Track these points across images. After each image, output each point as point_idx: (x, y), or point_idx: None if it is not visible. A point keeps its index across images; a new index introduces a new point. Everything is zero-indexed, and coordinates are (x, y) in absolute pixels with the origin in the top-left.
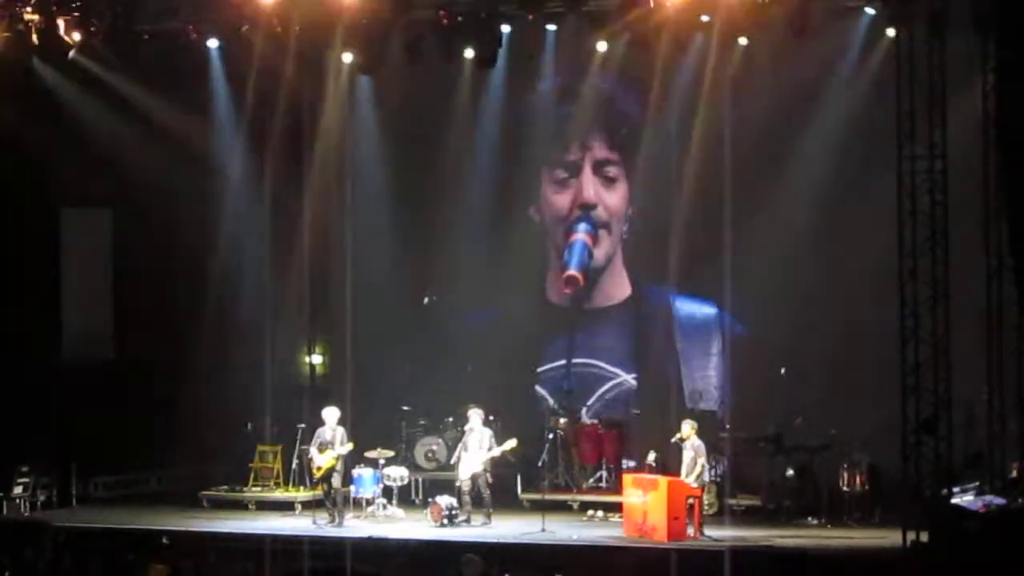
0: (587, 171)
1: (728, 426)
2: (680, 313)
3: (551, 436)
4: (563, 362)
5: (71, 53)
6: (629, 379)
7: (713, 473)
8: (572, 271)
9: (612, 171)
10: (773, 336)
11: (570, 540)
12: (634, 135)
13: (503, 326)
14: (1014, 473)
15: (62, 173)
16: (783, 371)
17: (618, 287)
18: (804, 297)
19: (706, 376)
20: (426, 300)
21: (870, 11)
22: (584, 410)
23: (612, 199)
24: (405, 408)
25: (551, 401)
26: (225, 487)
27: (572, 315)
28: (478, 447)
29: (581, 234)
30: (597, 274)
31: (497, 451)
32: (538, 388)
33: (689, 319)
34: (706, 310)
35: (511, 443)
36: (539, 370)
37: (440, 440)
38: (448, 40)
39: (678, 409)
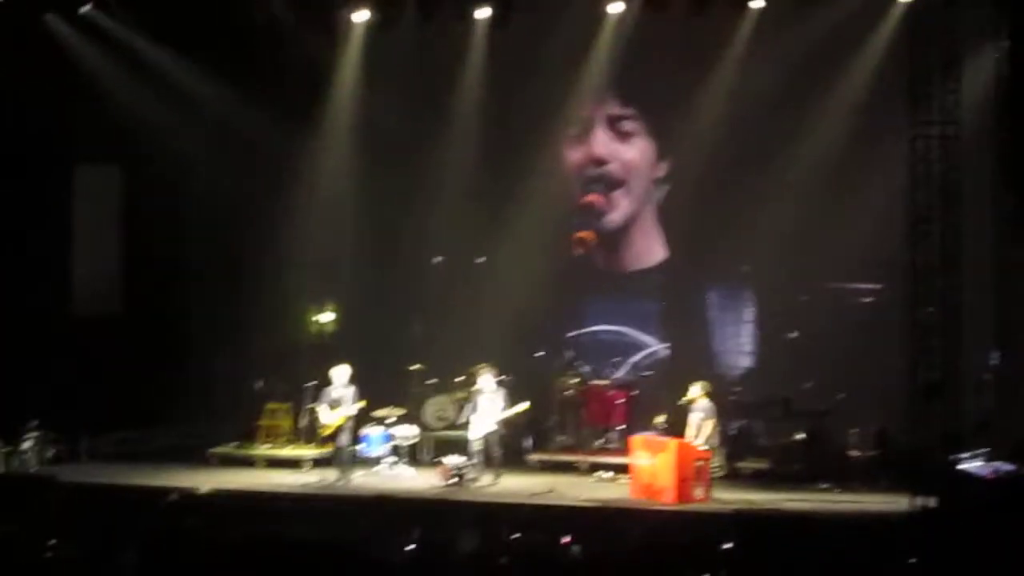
0: (599, 125)
1: (737, 389)
2: (712, 279)
3: (561, 397)
4: (596, 328)
5: (84, 8)
6: (662, 348)
7: (722, 436)
8: (582, 232)
9: (628, 126)
10: (783, 300)
11: (578, 501)
12: (650, 92)
13: (518, 286)
14: None
15: (74, 128)
16: (792, 335)
17: (650, 250)
18: (814, 261)
19: (739, 344)
20: (436, 260)
21: None
22: (616, 376)
23: (628, 154)
24: (414, 367)
25: (584, 366)
26: (234, 444)
27: (602, 277)
28: (490, 407)
29: (591, 195)
30: (622, 234)
31: (509, 412)
32: (568, 353)
33: (722, 286)
34: (737, 276)
35: (523, 405)
36: (568, 335)
37: (449, 400)
38: None
39: (699, 373)
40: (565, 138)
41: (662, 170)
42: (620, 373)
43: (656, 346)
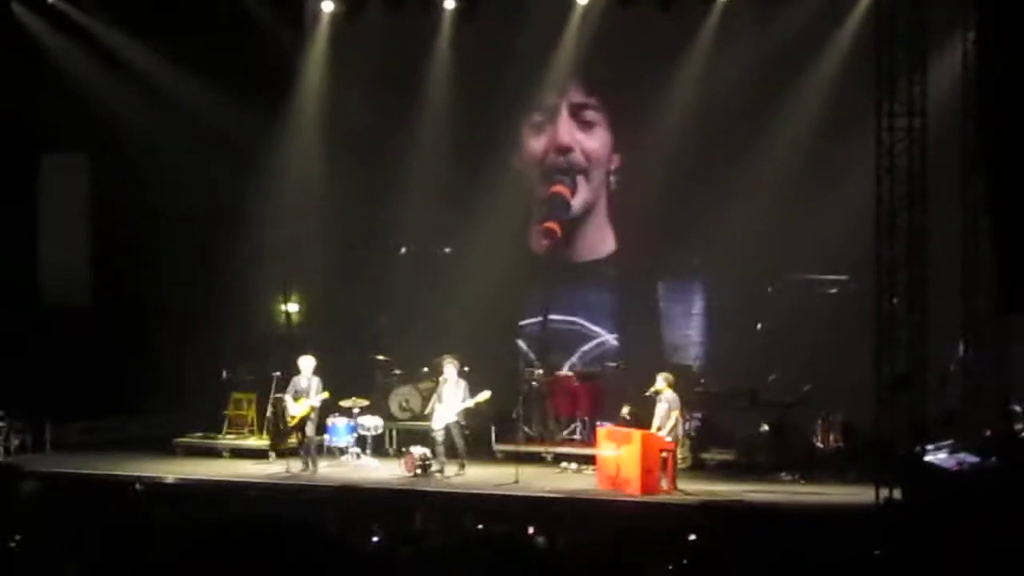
0: (564, 115)
1: (703, 380)
2: (664, 271)
3: (526, 388)
4: (559, 317)
5: None
6: (611, 339)
7: (687, 427)
8: (549, 222)
9: (590, 115)
10: (750, 292)
11: (543, 492)
12: (614, 83)
13: (483, 277)
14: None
15: (41, 118)
16: (759, 326)
17: (603, 241)
18: (781, 252)
19: (687, 335)
20: (402, 251)
21: None
22: (566, 368)
23: (590, 143)
24: (380, 358)
25: (532, 355)
26: (199, 434)
27: (555, 267)
28: (452, 398)
29: (558, 186)
30: (577, 224)
31: (471, 402)
32: (519, 342)
33: (673, 278)
34: (689, 269)
35: (485, 394)
36: (521, 323)
37: (414, 390)
38: None
39: (657, 364)
40: (530, 126)
41: (616, 162)
42: (574, 360)
43: (608, 336)
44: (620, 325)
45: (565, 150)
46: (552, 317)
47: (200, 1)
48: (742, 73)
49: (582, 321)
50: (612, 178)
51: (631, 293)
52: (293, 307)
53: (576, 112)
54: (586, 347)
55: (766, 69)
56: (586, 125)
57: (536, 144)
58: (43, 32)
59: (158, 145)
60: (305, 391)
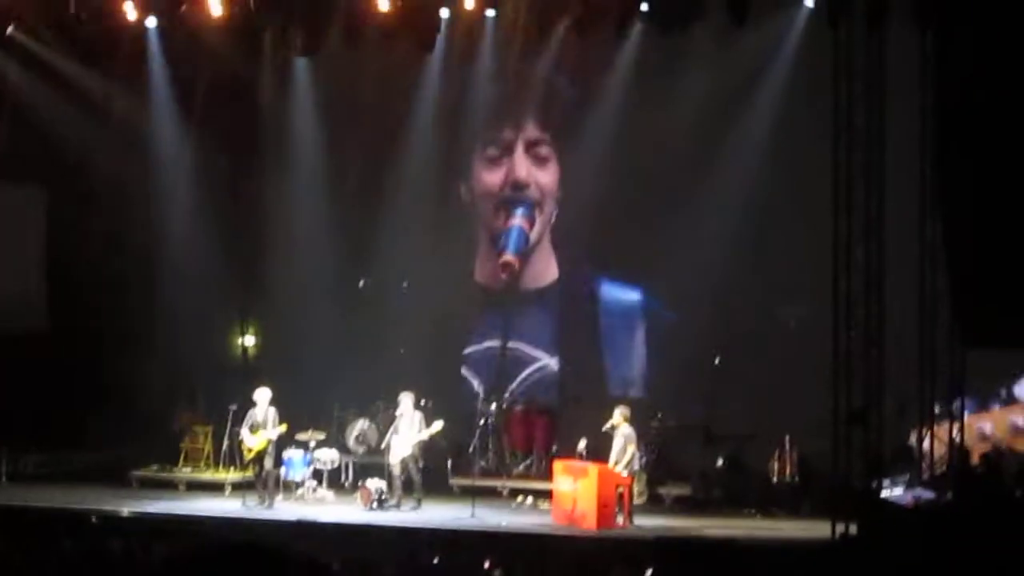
0: (519, 150)
1: (659, 415)
2: (606, 299)
3: (481, 421)
4: (489, 344)
5: (9, 29)
6: (551, 364)
7: (643, 462)
8: (509, 257)
9: (544, 151)
10: (706, 325)
11: (499, 527)
12: (568, 117)
13: (435, 308)
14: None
15: None
16: (717, 360)
17: (546, 270)
18: (737, 285)
19: (630, 364)
20: (361, 283)
21: (809, 2)
22: (507, 394)
23: (544, 178)
24: (336, 391)
25: (475, 384)
26: (155, 467)
27: (498, 298)
28: (408, 431)
29: (519, 219)
30: (527, 255)
31: (425, 434)
32: (464, 371)
33: (615, 305)
34: (632, 297)
35: (437, 425)
36: (465, 352)
37: (371, 423)
38: (387, 23)
39: (610, 396)
40: (483, 159)
41: (561, 191)
42: (515, 385)
43: (548, 360)
44: (563, 353)
45: (522, 185)
46: (492, 344)
47: (159, 33)
48: (698, 103)
49: (523, 346)
50: (555, 209)
51: (573, 321)
52: (250, 339)
53: (531, 147)
54: (526, 372)
55: (722, 100)
56: (540, 160)
57: (490, 177)
58: (2, 64)
59: (117, 176)
60: (262, 424)
